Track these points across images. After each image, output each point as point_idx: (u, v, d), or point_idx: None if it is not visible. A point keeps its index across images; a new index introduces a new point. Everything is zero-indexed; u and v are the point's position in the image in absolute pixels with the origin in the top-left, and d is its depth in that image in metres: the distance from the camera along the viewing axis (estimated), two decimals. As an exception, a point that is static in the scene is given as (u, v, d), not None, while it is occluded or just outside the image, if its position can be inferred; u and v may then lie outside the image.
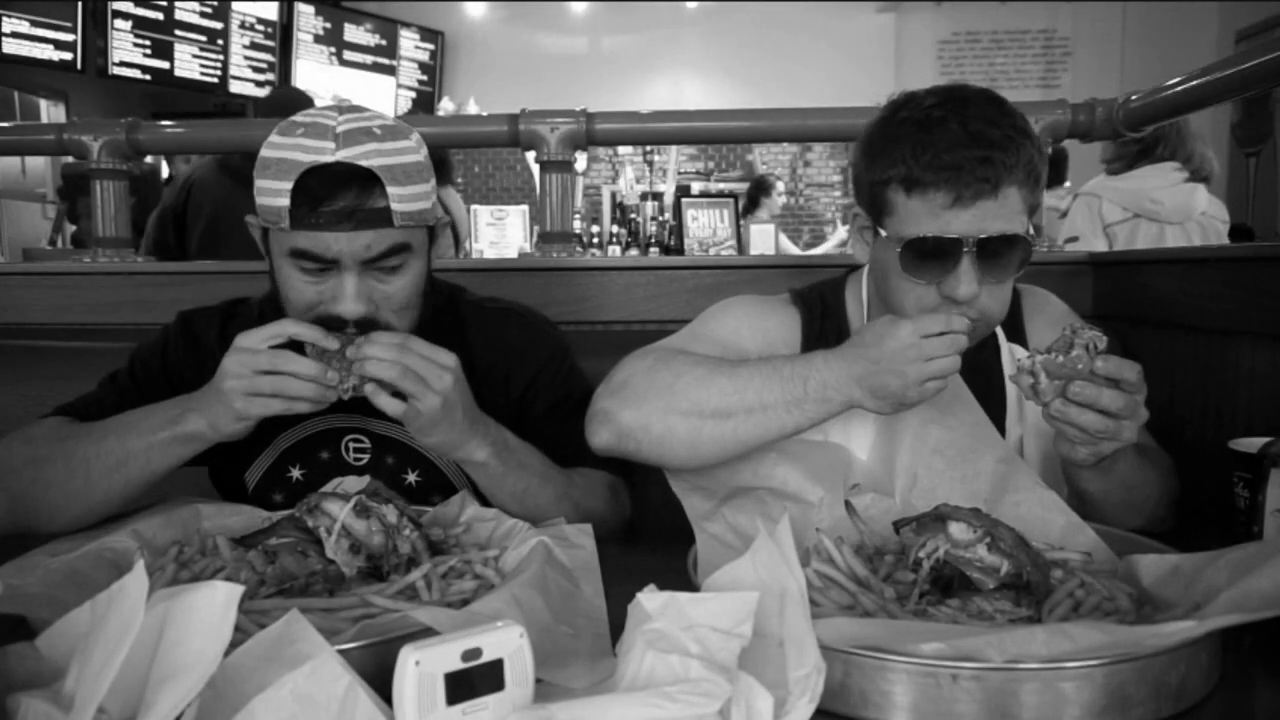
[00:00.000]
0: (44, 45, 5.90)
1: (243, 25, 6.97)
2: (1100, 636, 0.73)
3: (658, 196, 5.60)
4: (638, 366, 1.19)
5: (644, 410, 1.13)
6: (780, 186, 5.98)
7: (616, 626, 0.82)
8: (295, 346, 1.11)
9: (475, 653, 0.67)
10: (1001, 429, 1.25)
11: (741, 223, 5.07)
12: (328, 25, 7.49)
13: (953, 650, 0.73)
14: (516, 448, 1.21)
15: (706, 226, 4.88)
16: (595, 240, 5.66)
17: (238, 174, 3.04)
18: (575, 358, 1.41)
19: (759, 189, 5.74)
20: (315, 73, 7.42)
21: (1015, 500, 1.11)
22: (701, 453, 1.13)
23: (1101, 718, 0.72)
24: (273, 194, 1.12)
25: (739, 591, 0.76)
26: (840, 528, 1.07)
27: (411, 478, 1.32)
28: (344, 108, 1.18)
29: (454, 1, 8.14)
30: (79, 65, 6.08)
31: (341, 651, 0.70)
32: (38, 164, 6.15)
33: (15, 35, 5.75)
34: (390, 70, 7.86)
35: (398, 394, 1.11)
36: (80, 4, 6.06)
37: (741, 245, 4.99)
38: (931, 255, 1.12)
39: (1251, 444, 1.06)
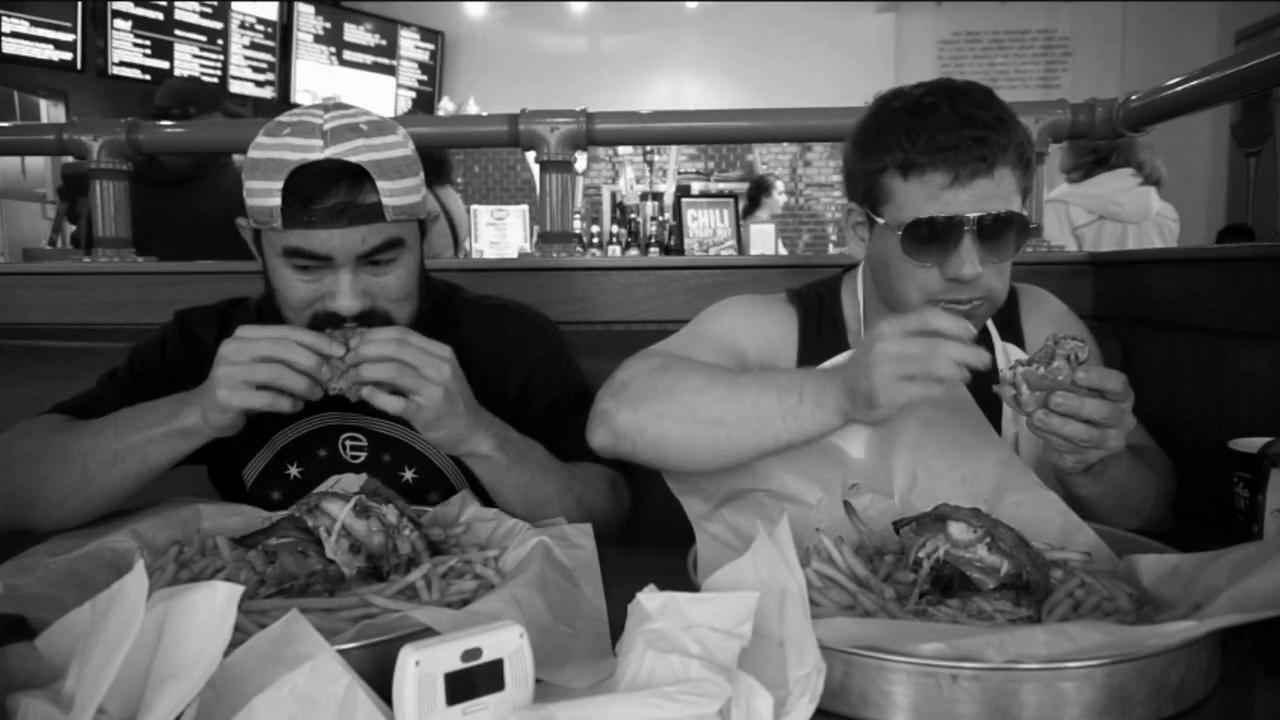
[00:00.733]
0: (44, 45, 5.90)
1: (243, 25, 6.98)
2: (1100, 636, 0.73)
3: (658, 196, 5.60)
4: (639, 369, 1.19)
5: (640, 413, 1.14)
6: (780, 186, 5.98)
7: (616, 626, 0.82)
8: None
9: (475, 653, 0.67)
10: (997, 427, 1.25)
11: (742, 223, 5.07)
12: (328, 25, 7.49)
13: (953, 650, 0.73)
14: (518, 441, 1.21)
15: (706, 226, 4.88)
16: (595, 240, 5.66)
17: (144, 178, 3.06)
18: (573, 356, 1.41)
19: (759, 189, 5.74)
20: (315, 73, 7.42)
21: (1015, 500, 1.11)
22: (694, 458, 1.13)
23: (1101, 718, 0.72)
24: (263, 194, 1.12)
25: (739, 591, 0.76)
26: (839, 529, 1.07)
27: (408, 475, 1.32)
28: (329, 105, 1.19)
29: (454, 1, 8.14)
30: (79, 65, 6.09)
31: (341, 651, 0.70)
32: (38, 164, 6.14)
33: (15, 35, 5.75)
34: (390, 70, 7.86)
35: (397, 392, 1.10)
36: (80, 4, 6.06)
37: (741, 245, 4.99)
38: (933, 236, 1.13)
39: (1251, 444, 1.06)
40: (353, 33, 7.65)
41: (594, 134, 1.96)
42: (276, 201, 1.11)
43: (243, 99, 7.02)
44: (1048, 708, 0.72)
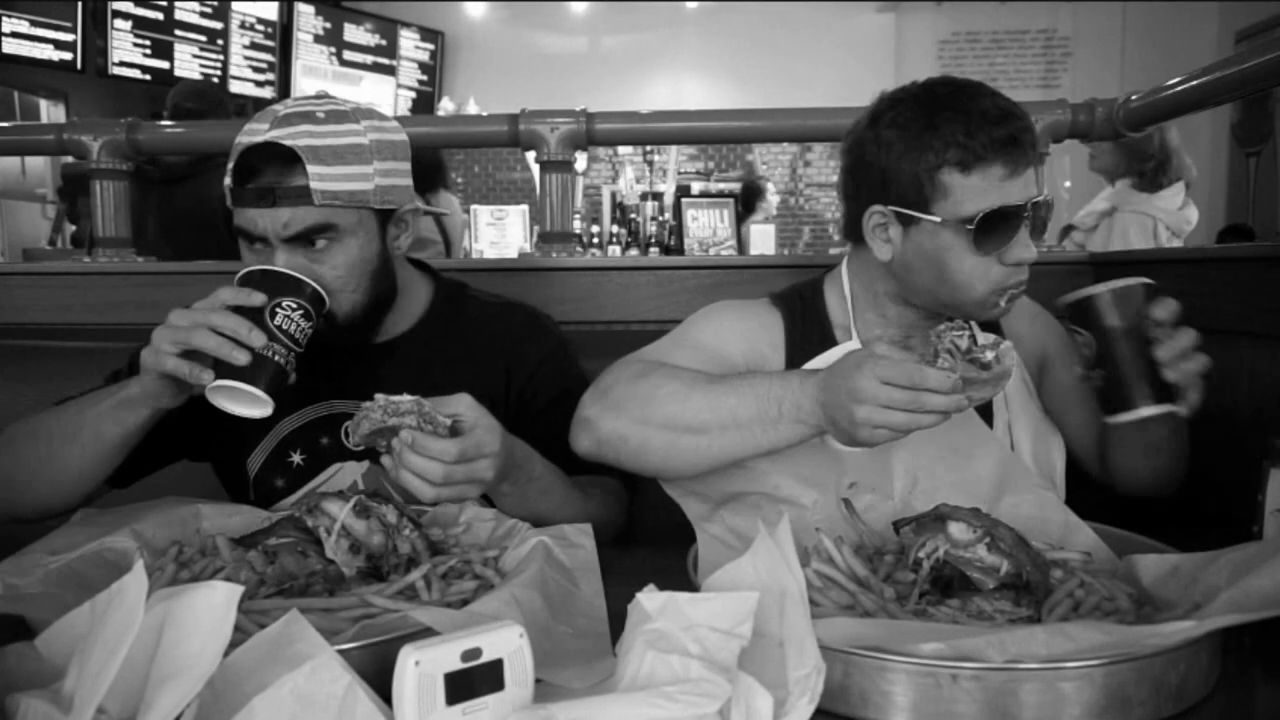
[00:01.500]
0: (44, 45, 5.90)
1: (243, 25, 6.97)
2: (1100, 636, 0.73)
3: (658, 196, 5.60)
4: (621, 375, 1.20)
5: (622, 421, 1.14)
6: (771, 187, 5.95)
7: (616, 626, 0.82)
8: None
9: (475, 653, 0.67)
10: (988, 421, 1.26)
11: (741, 225, 5.07)
12: (328, 25, 7.49)
13: (953, 650, 0.73)
14: (541, 475, 1.19)
15: (706, 226, 4.88)
16: (595, 240, 5.66)
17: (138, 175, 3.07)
18: (576, 355, 1.42)
19: (750, 194, 5.71)
20: (315, 73, 7.42)
21: (1014, 501, 1.11)
22: (676, 465, 1.14)
23: (1101, 718, 0.72)
24: (227, 174, 1.19)
25: (739, 591, 0.76)
26: (836, 529, 1.07)
27: None
28: (318, 95, 1.24)
29: (454, 1, 8.14)
30: (79, 65, 6.08)
31: (341, 651, 0.70)
32: (38, 164, 6.14)
33: (15, 35, 5.74)
34: (390, 70, 7.85)
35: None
36: (80, 4, 6.05)
37: (741, 245, 4.99)
38: (999, 227, 1.16)
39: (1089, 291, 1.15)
40: (353, 33, 7.64)
41: (594, 134, 1.96)
42: (230, 180, 1.18)
43: (243, 99, 7.02)
44: (1048, 708, 0.72)
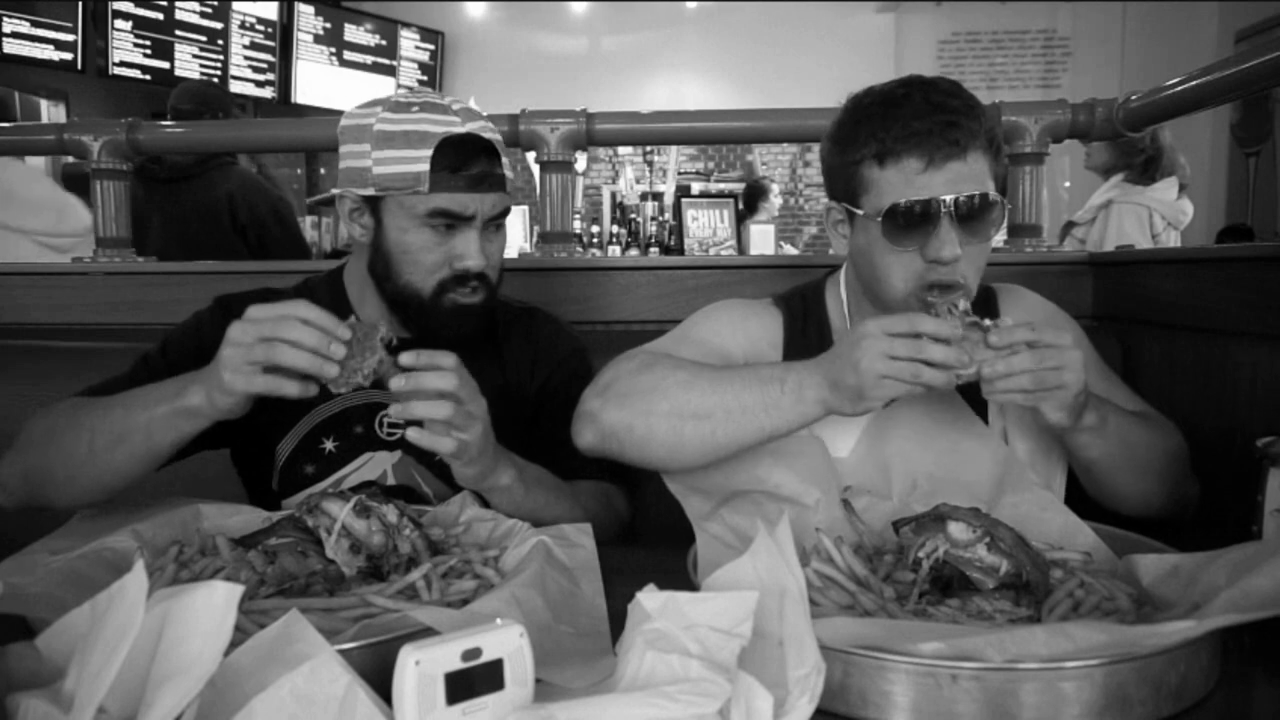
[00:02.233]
0: (44, 45, 5.90)
1: (243, 25, 6.96)
2: (1100, 636, 0.73)
3: (658, 196, 5.59)
4: (623, 368, 1.20)
5: (626, 411, 1.15)
6: (776, 189, 5.95)
7: (616, 626, 0.82)
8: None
9: (475, 652, 0.67)
10: (984, 421, 1.25)
11: (741, 223, 5.06)
12: (328, 25, 7.48)
13: (952, 650, 0.73)
14: (527, 467, 1.22)
15: (706, 226, 4.88)
16: (595, 240, 5.65)
17: (146, 176, 3.08)
18: (591, 361, 1.44)
19: (754, 194, 5.72)
20: (315, 73, 7.42)
21: (1014, 500, 1.11)
22: (682, 454, 1.14)
23: (1101, 718, 0.72)
24: (405, 162, 1.24)
25: (739, 591, 0.76)
26: (837, 529, 1.07)
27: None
28: (420, 91, 1.33)
29: (454, 1, 8.14)
30: (79, 65, 6.08)
31: (341, 651, 0.70)
32: (38, 164, 6.13)
33: (15, 35, 5.74)
34: (390, 70, 7.85)
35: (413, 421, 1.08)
36: (80, 4, 6.05)
37: (741, 245, 4.99)
38: (912, 221, 1.14)
39: None
40: (353, 33, 7.63)
41: (594, 134, 1.96)
42: (423, 168, 1.24)
43: (243, 99, 7.01)
44: (1048, 708, 0.72)
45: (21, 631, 0.83)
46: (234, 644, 0.69)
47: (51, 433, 1.16)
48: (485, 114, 1.34)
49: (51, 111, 6.17)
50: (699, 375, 1.14)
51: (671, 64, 7.92)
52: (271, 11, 7.12)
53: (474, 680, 0.67)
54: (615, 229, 5.58)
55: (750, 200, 5.65)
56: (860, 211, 1.19)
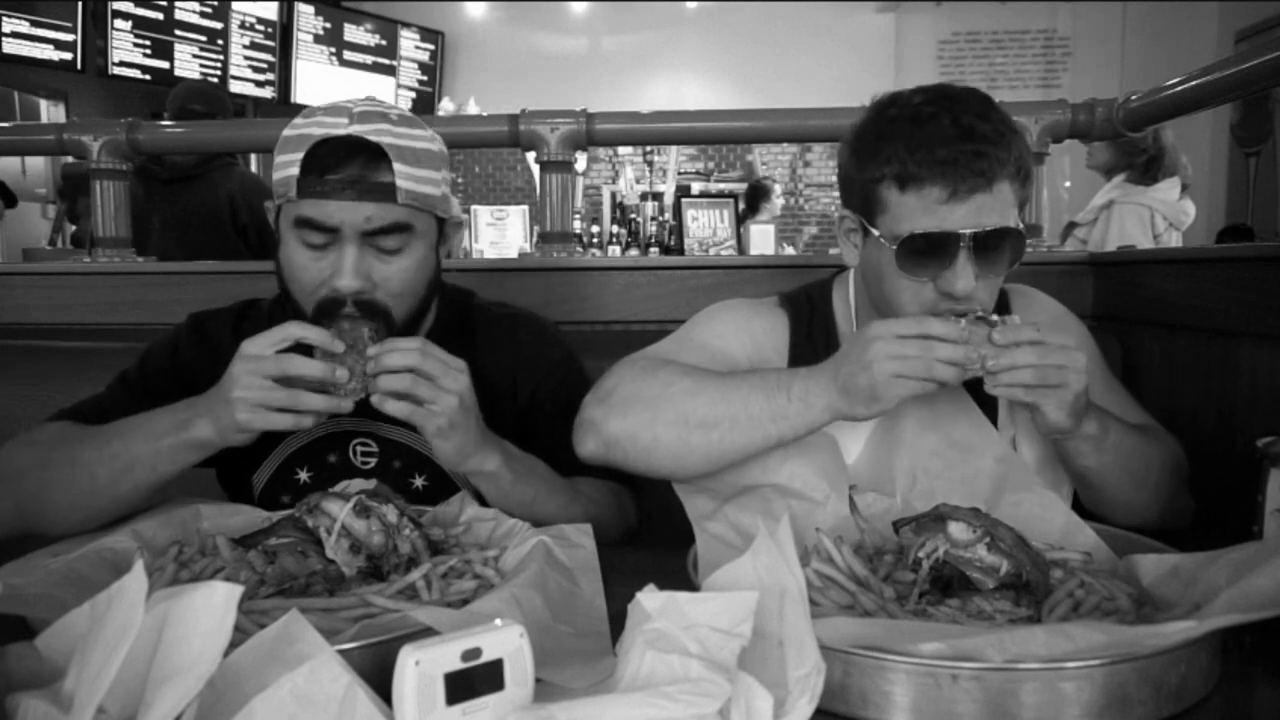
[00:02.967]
0: (44, 45, 5.90)
1: (243, 25, 6.97)
2: (1100, 636, 0.73)
3: (658, 196, 5.60)
4: (625, 375, 1.19)
5: (630, 420, 1.13)
6: (778, 190, 5.96)
7: (616, 626, 0.82)
8: (304, 350, 1.10)
9: (475, 653, 0.67)
10: (994, 424, 1.25)
11: (741, 224, 5.07)
12: (328, 25, 7.49)
13: (953, 650, 0.73)
14: (522, 458, 1.21)
15: (706, 226, 4.88)
16: (595, 240, 5.66)
17: (147, 177, 3.08)
18: (582, 365, 1.41)
19: (756, 194, 5.72)
20: (315, 73, 7.42)
21: (1015, 500, 1.11)
22: (687, 463, 1.13)
23: (1101, 718, 0.72)
24: (285, 167, 1.15)
25: (739, 591, 0.75)
26: (843, 527, 1.07)
27: (419, 482, 1.32)
28: (367, 98, 1.22)
29: (454, 1, 8.14)
30: (79, 65, 6.08)
31: (341, 651, 0.70)
32: (38, 164, 6.14)
33: (15, 35, 5.74)
34: (390, 70, 7.85)
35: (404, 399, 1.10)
36: (80, 4, 6.05)
37: (741, 245, 4.99)
38: (928, 251, 1.11)
39: None
40: (353, 33, 7.64)
41: (594, 134, 1.96)
42: (295, 172, 1.14)
43: (243, 99, 7.01)
44: (1048, 708, 0.72)
45: (21, 631, 0.83)
46: (234, 644, 0.69)
47: (45, 465, 1.15)
48: (430, 130, 1.22)
49: (51, 111, 6.18)
50: (704, 383, 1.13)
51: (671, 64, 7.92)
52: (271, 11, 7.12)
53: (474, 680, 0.67)
54: (615, 229, 5.59)
55: (752, 200, 5.66)
56: (875, 231, 1.16)
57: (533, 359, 1.37)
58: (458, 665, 0.66)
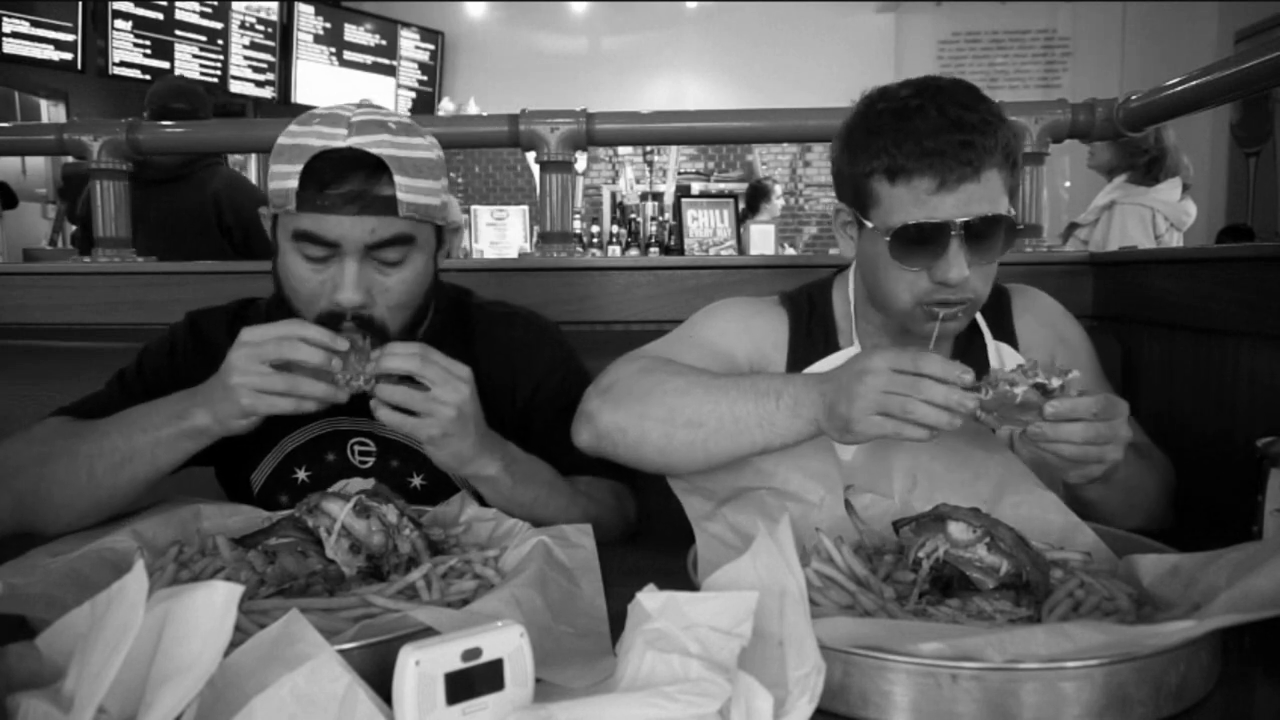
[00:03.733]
0: (44, 45, 5.90)
1: (243, 25, 6.97)
2: (1100, 636, 0.73)
3: (658, 196, 5.60)
4: (624, 370, 1.20)
5: (621, 414, 1.15)
6: (778, 190, 5.96)
7: (616, 626, 0.82)
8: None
9: (475, 652, 0.67)
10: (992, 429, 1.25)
11: (741, 224, 5.07)
12: (328, 25, 7.49)
13: (953, 650, 0.73)
14: (523, 460, 1.21)
15: (706, 226, 4.88)
16: (595, 240, 5.66)
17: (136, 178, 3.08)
18: (581, 363, 1.41)
19: (757, 194, 5.72)
20: (315, 73, 7.42)
21: (1015, 500, 1.11)
22: (673, 460, 1.13)
23: (1101, 718, 0.72)
24: (283, 177, 1.14)
25: (739, 591, 0.75)
26: (840, 528, 1.07)
27: (417, 481, 1.32)
28: (363, 103, 1.20)
29: (454, 1, 8.14)
30: (79, 65, 6.08)
31: (341, 651, 0.70)
32: (38, 164, 6.14)
33: (15, 35, 5.74)
34: (390, 70, 7.85)
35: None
36: (80, 4, 6.05)
37: (741, 245, 4.99)
38: (920, 241, 1.13)
39: None
40: (353, 33, 7.64)
41: (594, 134, 1.96)
42: (294, 184, 1.12)
43: (243, 99, 7.02)
44: (1048, 708, 0.72)
45: (21, 631, 0.83)
46: (234, 644, 0.69)
47: (43, 460, 1.14)
48: (429, 135, 1.21)
49: (51, 111, 6.18)
50: (696, 383, 1.13)
51: (671, 64, 7.93)
52: (271, 11, 7.13)
53: (474, 680, 0.67)
54: (615, 229, 5.59)
55: (752, 200, 5.66)
56: (869, 224, 1.18)
57: (532, 359, 1.37)
58: (458, 665, 0.66)
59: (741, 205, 5.27)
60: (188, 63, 6.65)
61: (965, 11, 7.53)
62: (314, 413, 1.12)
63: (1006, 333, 1.33)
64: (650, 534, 1.37)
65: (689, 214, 4.90)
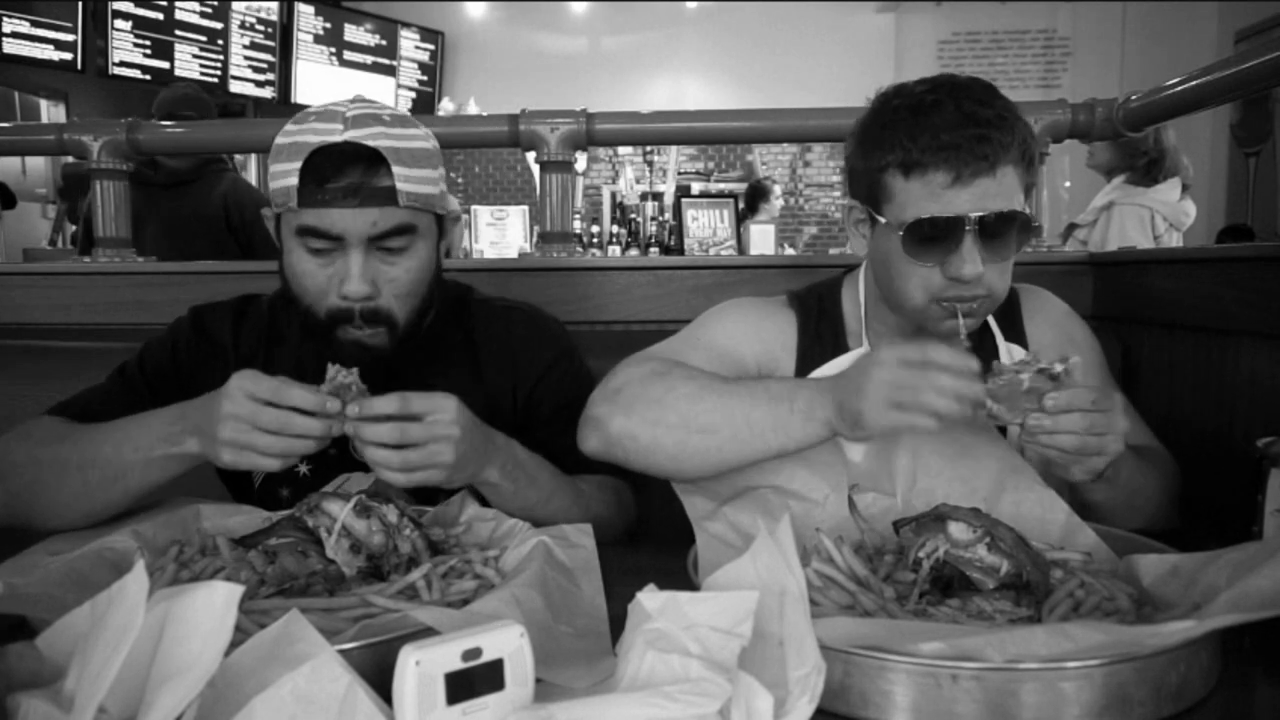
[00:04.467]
0: (44, 45, 5.90)
1: (243, 25, 6.97)
2: (1100, 636, 0.73)
3: (658, 196, 5.60)
4: (633, 374, 1.19)
5: (633, 420, 1.14)
6: (777, 190, 5.95)
7: (616, 626, 0.82)
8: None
9: (475, 652, 0.67)
10: (1002, 430, 1.25)
11: (741, 223, 5.07)
12: (328, 25, 7.49)
13: (953, 650, 0.73)
14: (526, 462, 1.19)
15: (706, 226, 4.88)
16: (595, 240, 5.66)
17: (142, 181, 3.08)
18: (583, 359, 1.41)
19: (756, 194, 5.72)
20: (315, 73, 7.42)
21: (1015, 500, 1.11)
22: (686, 466, 1.13)
23: (1101, 718, 0.72)
24: (283, 176, 1.15)
25: (739, 591, 0.75)
26: (843, 527, 1.07)
27: None
28: (356, 98, 1.21)
29: (454, 1, 8.14)
30: (79, 65, 6.08)
31: (341, 651, 0.70)
32: (38, 164, 6.14)
33: (15, 35, 5.74)
34: (390, 70, 7.85)
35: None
36: (80, 4, 6.05)
37: (741, 245, 4.99)
38: (934, 236, 1.12)
39: None
40: (353, 33, 7.64)
41: (594, 134, 1.96)
42: (294, 181, 1.14)
43: (243, 99, 7.02)
44: (1048, 708, 0.72)
45: (21, 631, 0.83)
46: (234, 644, 0.69)
47: (34, 464, 1.14)
48: (423, 127, 1.21)
49: (51, 111, 6.18)
50: (708, 389, 1.13)
51: (671, 64, 7.92)
52: (271, 11, 7.13)
53: (474, 680, 0.67)
54: (615, 229, 5.59)
55: (751, 200, 5.66)
56: (882, 220, 1.17)
57: (533, 353, 1.37)
58: (458, 665, 0.66)
59: (740, 205, 5.27)
60: (188, 63, 6.65)
61: (965, 11, 7.53)
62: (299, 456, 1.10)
63: (1017, 333, 1.33)
64: (650, 534, 1.37)
65: (689, 214, 4.90)
